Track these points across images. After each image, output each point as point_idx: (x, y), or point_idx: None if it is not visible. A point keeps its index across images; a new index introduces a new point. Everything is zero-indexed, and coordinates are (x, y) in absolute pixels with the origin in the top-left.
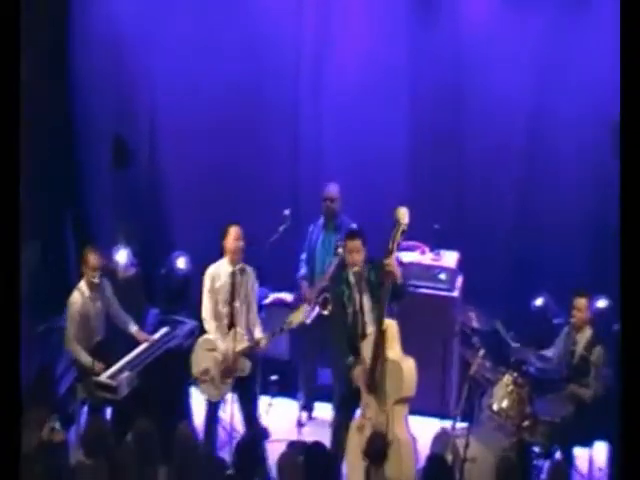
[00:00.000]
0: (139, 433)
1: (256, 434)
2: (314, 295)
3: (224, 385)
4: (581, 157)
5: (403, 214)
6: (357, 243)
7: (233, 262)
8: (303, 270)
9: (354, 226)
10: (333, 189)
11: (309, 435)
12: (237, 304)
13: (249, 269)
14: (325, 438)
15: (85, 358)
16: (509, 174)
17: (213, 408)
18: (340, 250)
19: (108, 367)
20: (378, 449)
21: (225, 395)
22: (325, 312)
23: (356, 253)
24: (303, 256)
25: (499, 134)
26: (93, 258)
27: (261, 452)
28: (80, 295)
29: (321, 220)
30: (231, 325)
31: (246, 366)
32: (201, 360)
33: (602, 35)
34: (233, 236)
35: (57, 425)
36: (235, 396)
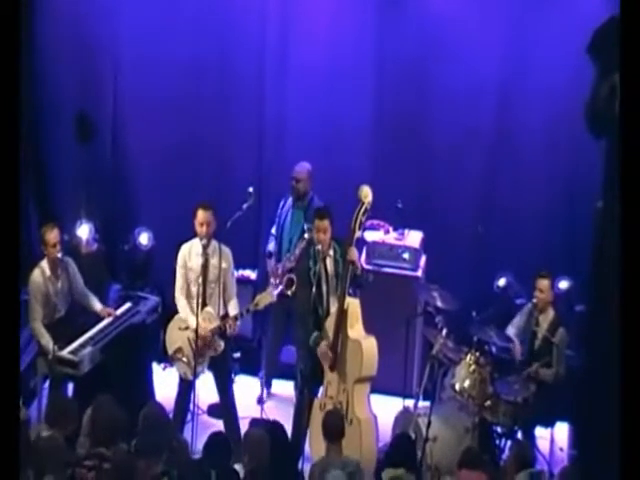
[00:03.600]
0: (99, 408)
1: (229, 414)
2: (279, 272)
3: (198, 364)
4: (549, 138)
5: (366, 193)
6: (325, 223)
7: (203, 242)
8: (272, 245)
9: (321, 205)
10: (299, 169)
11: (269, 412)
12: (210, 283)
13: (225, 249)
14: (284, 415)
15: (46, 340)
16: (475, 154)
17: (185, 386)
18: (306, 235)
19: (69, 342)
20: (334, 426)
21: (200, 374)
22: (288, 292)
23: (323, 232)
24: (273, 230)
25: (466, 114)
26: (52, 235)
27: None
28: (41, 274)
29: (290, 198)
30: (203, 304)
31: (219, 345)
32: (175, 339)
33: (571, 11)
34: (198, 220)
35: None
36: (210, 374)
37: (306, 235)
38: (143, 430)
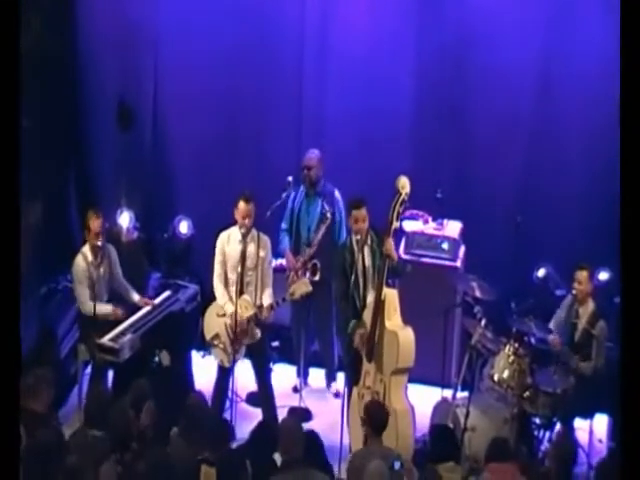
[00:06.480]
0: (136, 395)
1: (267, 402)
2: (300, 263)
3: (235, 351)
4: (589, 127)
5: (403, 184)
6: (362, 212)
7: (242, 230)
8: (286, 240)
9: (333, 189)
10: (312, 157)
11: (306, 400)
12: (247, 271)
13: (264, 237)
14: (320, 404)
15: (105, 308)
16: (514, 144)
17: (224, 373)
18: (329, 215)
19: (110, 330)
20: (378, 417)
21: (237, 360)
22: (315, 278)
23: (361, 222)
24: (283, 225)
25: (504, 102)
26: (95, 224)
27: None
28: (83, 259)
29: (302, 188)
30: (241, 292)
31: (255, 333)
32: (212, 325)
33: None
34: (239, 211)
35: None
36: (249, 362)
37: (328, 215)
38: (186, 423)
